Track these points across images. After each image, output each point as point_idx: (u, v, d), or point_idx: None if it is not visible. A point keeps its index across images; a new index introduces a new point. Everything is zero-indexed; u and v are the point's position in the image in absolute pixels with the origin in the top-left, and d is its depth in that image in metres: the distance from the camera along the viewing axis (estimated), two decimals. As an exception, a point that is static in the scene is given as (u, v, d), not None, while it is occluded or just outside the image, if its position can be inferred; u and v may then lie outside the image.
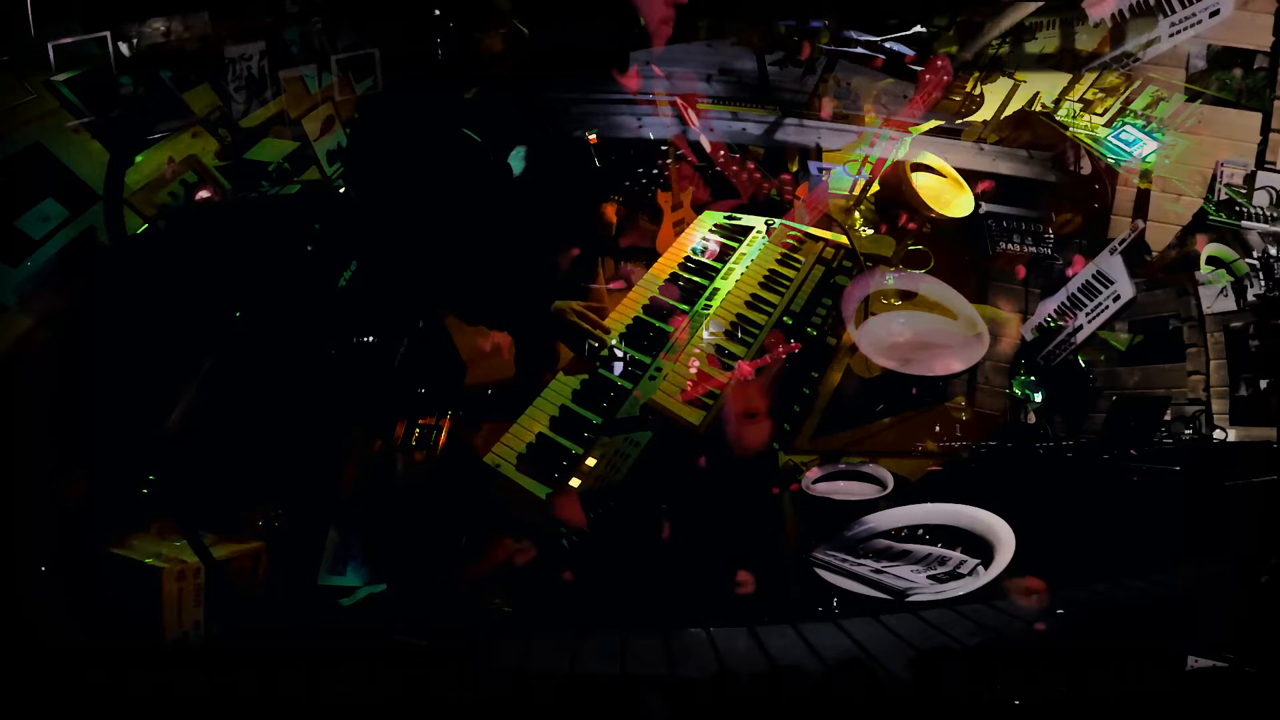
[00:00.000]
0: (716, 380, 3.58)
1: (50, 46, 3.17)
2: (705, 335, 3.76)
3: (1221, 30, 3.88)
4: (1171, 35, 3.90)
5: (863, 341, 3.84)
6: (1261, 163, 4.00)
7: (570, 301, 3.72)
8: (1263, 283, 3.95)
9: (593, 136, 3.95)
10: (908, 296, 4.03)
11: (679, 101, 4.12)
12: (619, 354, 3.66)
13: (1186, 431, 4.08)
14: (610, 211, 4.07)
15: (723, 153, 4.18)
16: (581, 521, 3.30)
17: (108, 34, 3.27)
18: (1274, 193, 3.94)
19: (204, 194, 3.63)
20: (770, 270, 4.04)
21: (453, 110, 3.72)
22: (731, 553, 3.58)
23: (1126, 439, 3.99)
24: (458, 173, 3.65)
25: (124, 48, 3.32)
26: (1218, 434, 4.06)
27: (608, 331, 3.70)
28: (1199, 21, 3.84)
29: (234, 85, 3.56)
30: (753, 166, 4.25)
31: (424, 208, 3.60)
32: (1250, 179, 3.97)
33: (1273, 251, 3.96)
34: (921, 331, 3.95)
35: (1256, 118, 4.03)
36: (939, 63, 4.01)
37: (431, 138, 3.63)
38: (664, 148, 4.19)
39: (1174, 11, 3.86)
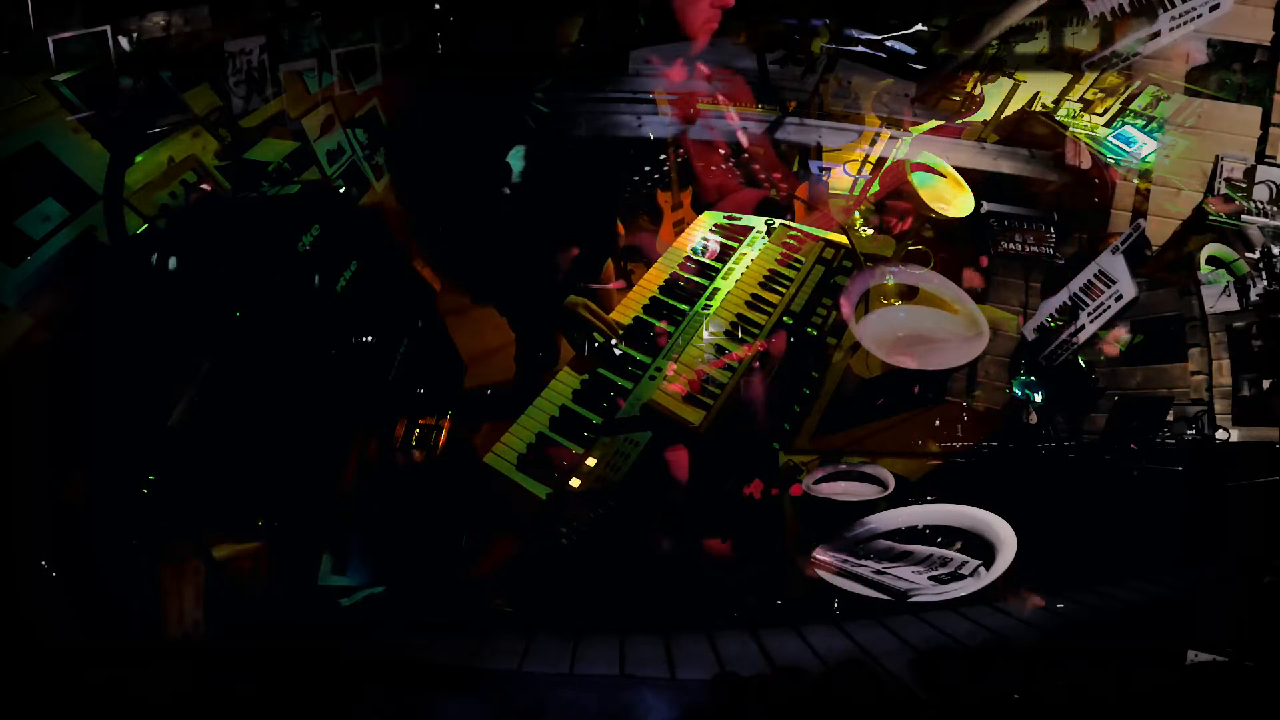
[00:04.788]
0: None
1: (50, 41, 3.17)
2: (705, 335, 3.76)
3: (1221, 24, 3.88)
4: (1172, 30, 3.89)
5: (863, 336, 3.83)
6: (1261, 157, 3.99)
7: (581, 299, 3.73)
8: (1264, 278, 3.94)
9: None
10: (909, 293, 4.03)
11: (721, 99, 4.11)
12: (618, 353, 3.67)
13: (1189, 432, 4.06)
14: (619, 225, 4.10)
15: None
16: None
17: (108, 29, 3.28)
18: (1274, 187, 3.93)
19: (204, 186, 3.64)
20: (770, 270, 4.04)
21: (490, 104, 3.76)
22: (732, 553, 3.57)
23: (1128, 439, 3.98)
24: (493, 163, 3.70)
25: (124, 42, 3.32)
26: (1220, 434, 4.04)
27: (620, 330, 3.71)
28: (1199, 15, 3.83)
29: (234, 80, 3.56)
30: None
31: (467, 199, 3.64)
32: (1250, 173, 3.96)
33: (1275, 250, 3.95)
34: (922, 327, 3.94)
35: (1256, 112, 4.03)
36: None
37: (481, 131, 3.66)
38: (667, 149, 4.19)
39: (1174, 6, 3.85)
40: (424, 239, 3.92)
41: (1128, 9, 3.91)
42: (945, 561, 3.64)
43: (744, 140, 4.12)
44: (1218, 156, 4.02)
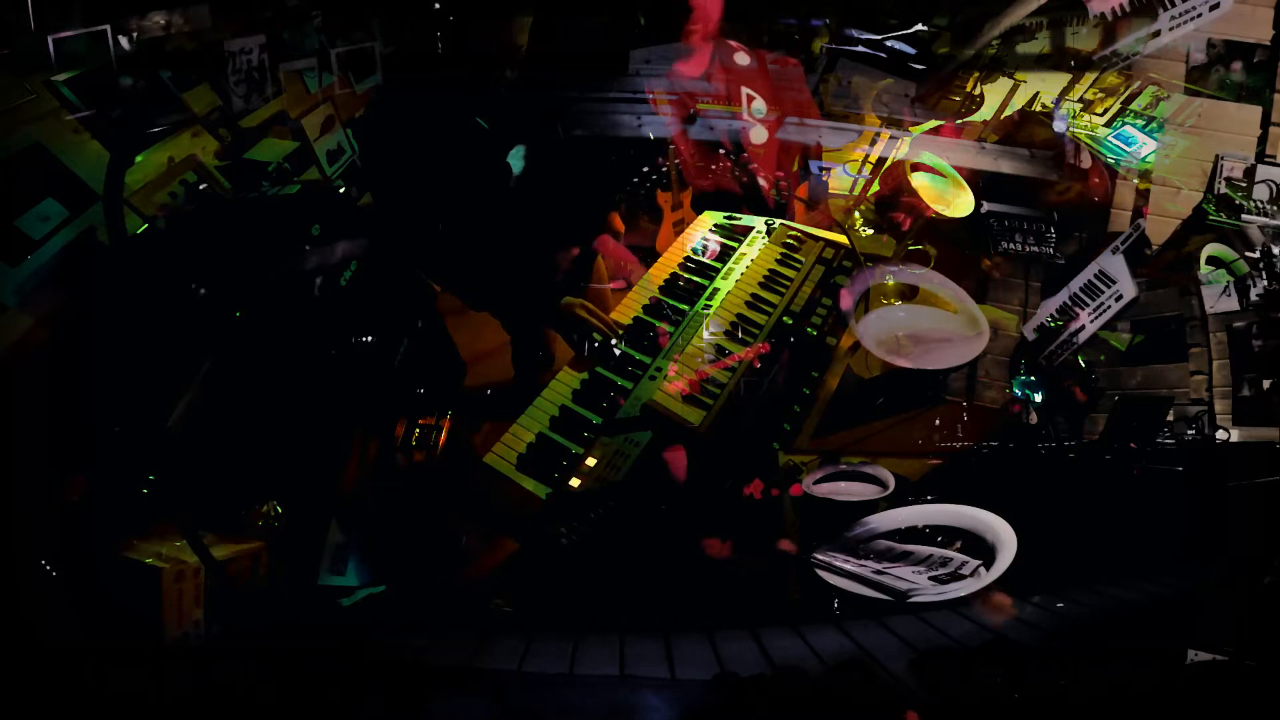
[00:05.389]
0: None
1: (50, 40, 3.18)
2: (705, 335, 3.76)
3: (1221, 23, 3.88)
4: (1172, 29, 3.90)
5: (864, 336, 3.83)
6: (1261, 157, 4.00)
7: (578, 299, 3.73)
8: (1264, 278, 3.94)
9: None
10: (909, 293, 4.03)
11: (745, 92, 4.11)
12: (617, 353, 3.67)
13: (1189, 432, 4.06)
14: (617, 220, 4.09)
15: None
16: None
17: (107, 28, 3.28)
18: (1274, 186, 3.93)
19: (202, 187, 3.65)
20: (770, 270, 4.04)
21: (461, 104, 3.75)
22: (731, 553, 3.57)
23: (1128, 439, 3.98)
24: (466, 164, 3.68)
25: (124, 41, 3.32)
26: (1220, 434, 4.04)
27: (619, 330, 3.71)
28: (1199, 15, 3.83)
29: (234, 79, 3.56)
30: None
31: (434, 200, 3.63)
32: (1250, 173, 3.97)
33: (1275, 250, 3.96)
34: (922, 326, 3.94)
35: (1256, 111, 4.03)
36: None
37: (442, 130, 3.65)
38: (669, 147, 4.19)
39: (1174, 5, 3.85)
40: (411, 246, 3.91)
41: (1128, 8, 3.91)
42: (945, 562, 3.64)
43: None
44: (1218, 156, 4.02)
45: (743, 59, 4.11)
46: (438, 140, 3.62)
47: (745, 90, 4.10)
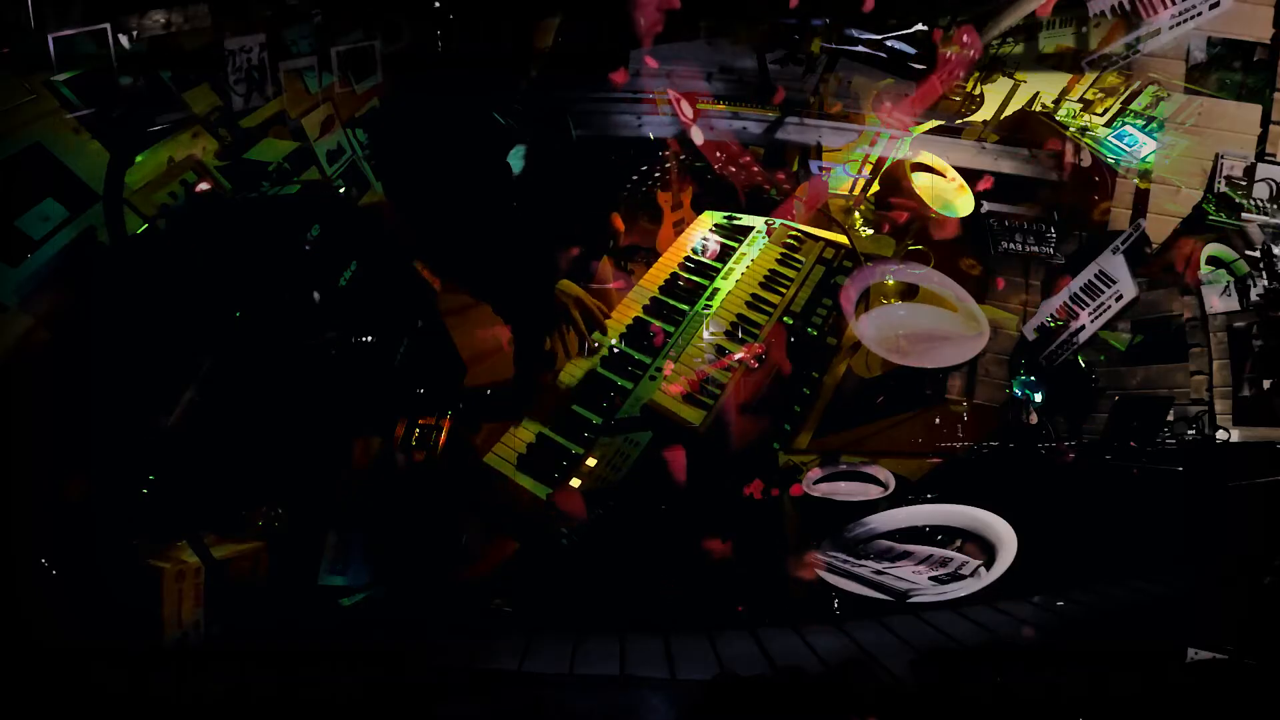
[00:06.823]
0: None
1: (50, 39, 3.18)
2: (705, 335, 3.76)
3: (1221, 22, 3.88)
4: (1172, 27, 3.90)
5: (864, 335, 3.83)
6: (1261, 155, 4.00)
7: (573, 287, 3.73)
8: (1264, 278, 3.94)
9: None
10: (909, 292, 4.03)
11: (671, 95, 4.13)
12: (615, 351, 3.68)
13: (1189, 432, 4.06)
14: (618, 220, 4.09)
15: (719, 152, 4.19)
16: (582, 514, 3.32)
17: (107, 27, 3.28)
18: (1274, 185, 3.93)
19: (203, 186, 3.64)
20: (770, 270, 4.04)
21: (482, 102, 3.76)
22: (732, 553, 3.57)
23: (1129, 439, 3.98)
24: (477, 161, 3.70)
25: (124, 40, 3.32)
26: (1220, 434, 4.04)
27: (606, 322, 3.72)
28: (1199, 13, 3.84)
29: (234, 78, 3.56)
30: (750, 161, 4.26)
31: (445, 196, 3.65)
32: (1250, 171, 3.96)
33: (1275, 249, 3.95)
34: (922, 325, 3.94)
35: (1256, 110, 4.03)
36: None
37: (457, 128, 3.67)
38: (664, 151, 4.20)
39: (1174, 3, 3.85)
40: (422, 238, 3.92)
41: (1128, 7, 3.91)
42: (945, 561, 3.64)
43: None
44: (1218, 155, 4.02)
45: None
46: (451, 138, 3.64)
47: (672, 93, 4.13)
